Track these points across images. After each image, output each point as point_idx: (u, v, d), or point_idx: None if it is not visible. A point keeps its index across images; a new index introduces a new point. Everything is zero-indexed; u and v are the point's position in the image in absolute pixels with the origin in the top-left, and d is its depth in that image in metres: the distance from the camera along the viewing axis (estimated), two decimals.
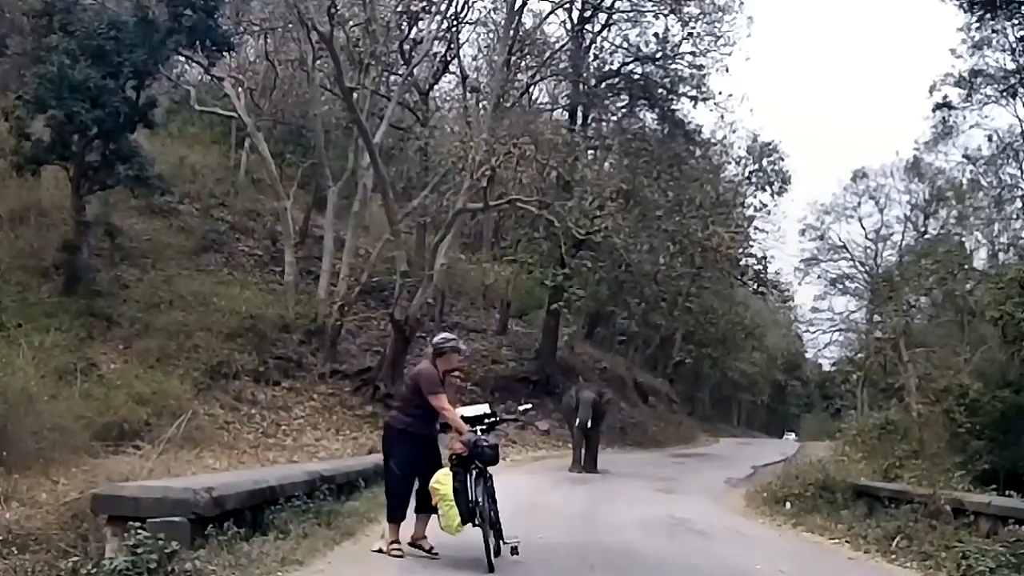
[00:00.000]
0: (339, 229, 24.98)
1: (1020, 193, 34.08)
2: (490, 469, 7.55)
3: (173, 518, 6.61)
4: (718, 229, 25.13)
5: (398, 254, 22.99)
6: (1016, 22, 25.44)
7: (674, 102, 29.83)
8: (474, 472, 7.22)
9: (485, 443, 7.29)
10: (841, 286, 49.91)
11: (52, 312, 16.69)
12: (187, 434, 13.02)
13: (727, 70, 33.43)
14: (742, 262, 30.30)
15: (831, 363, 55.75)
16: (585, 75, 29.62)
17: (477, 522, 7.18)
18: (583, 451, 19.42)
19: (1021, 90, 29.81)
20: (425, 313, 24.99)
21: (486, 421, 7.74)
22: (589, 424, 19.28)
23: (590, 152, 27.39)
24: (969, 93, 31.43)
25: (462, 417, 7.55)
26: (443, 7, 26.05)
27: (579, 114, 30.22)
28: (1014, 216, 34.75)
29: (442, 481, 7.14)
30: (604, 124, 31.47)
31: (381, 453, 8.05)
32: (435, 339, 7.95)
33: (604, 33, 30.26)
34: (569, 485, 16.34)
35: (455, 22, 27.56)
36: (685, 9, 27.88)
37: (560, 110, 32.93)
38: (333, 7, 20.90)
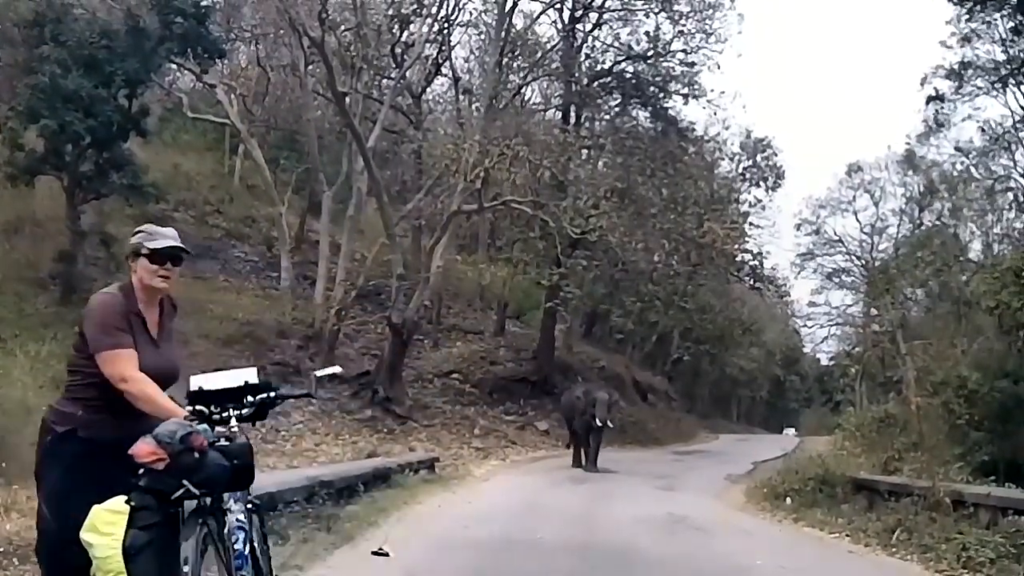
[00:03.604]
0: (335, 234, 24.99)
1: (1013, 184, 34.18)
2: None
3: None
4: (713, 226, 25.17)
5: (394, 257, 22.99)
6: (1005, 13, 25.53)
7: (666, 100, 29.86)
8: (188, 508, 3.60)
9: (207, 441, 3.58)
10: (838, 280, 49.84)
11: (49, 322, 16.66)
12: None
13: (719, 67, 33.67)
14: (738, 258, 30.38)
15: (829, 358, 55.89)
16: (577, 75, 29.63)
17: None
18: (586, 449, 19.48)
19: (1012, 81, 29.87)
20: (422, 316, 24.98)
21: (248, 400, 4.05)
22: (610, 424, 19.52)
23: (583, 151, 27.38)
24: (960, 85, 31.54)
25: (196, 392, 4.02)
26: (434, 10, 26.13)
27: (572, 114, 30.19)
28: (1007, 207, 34.86)
29: (100, 527, 3.52)
30: (597, 123, 31.46)
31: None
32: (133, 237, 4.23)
33: (595, 32, 30.27)
34: (569, 484, 16.35)
35: (446, 24, 27.64)
36: (676, 7, 27.86)
37: (553, 110, 32.95)
38: (324, 12, 20.94)
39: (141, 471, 3.49)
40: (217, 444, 3.64)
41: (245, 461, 3.74)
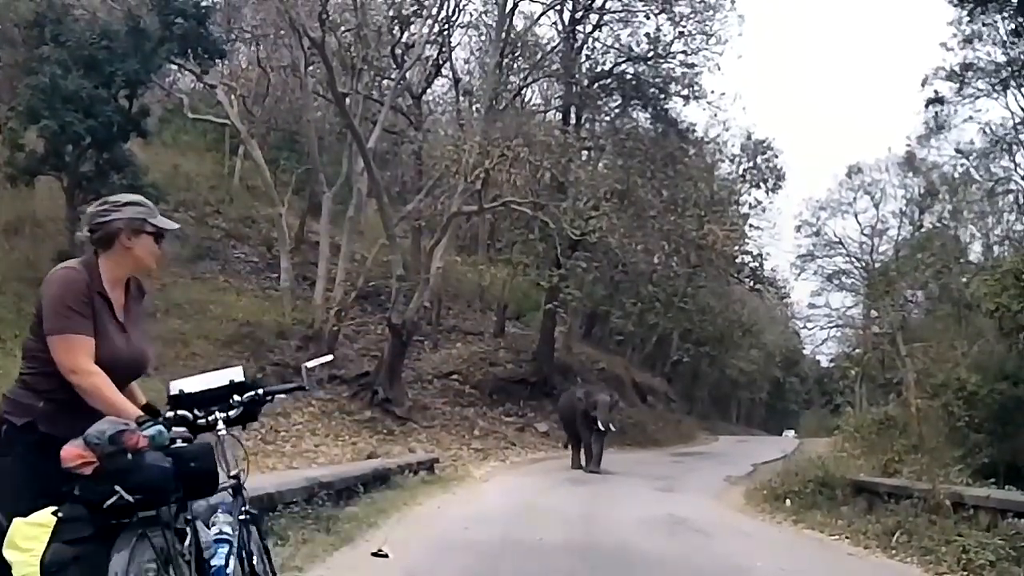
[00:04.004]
0: (334, 234, 24.99)
1: (1013, 186, 34.19)
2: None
3: None
4: (713, 227, 25.18)
5: (394, 258, 22.98)
6: (1006, 15, 25.54)
7: (667, 101, 29.87)
8: (135, 520, 3.06)
9: (145, 440, 3.07)
10: (838, 282, 49.93)
11: None
12: None
13: (719, 68, 33.59)
14: (738, 260, 30.37)
15: (829, 359, 55.97)
16: (577, 76, 29.64)
17: None
18: (590, 451, 19.43)
19: (1013, 83, 29.89)
20: (422, 317, 24.98)
21: (235, 401, 3.75)
22: (612, 427, 19.54)
23: (584, 153, 27.39)
24: (961, 87, 31.55)
25: (177, 396, 3.69)
26: (434, 11, 26.13)
27: (572, 115, 30.21)
28: (1007, 209, 34.89)
29: (20, 542, 2.99)
30: (597, 124, 31.47)
31: None
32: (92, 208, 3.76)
33: (595, 34, 30.30)
34: (568, 486, 16.35)
35: (447, 25, 27.66)
36: (676, 8, 27.90)
37: (553, 111, 32.98)
38: (324, 13, 20.93)
39: (76, 478, 3.01)
40: (172, 446, 3.18)
41: (204, 465, 3.26)
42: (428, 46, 27.14)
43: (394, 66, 26.13)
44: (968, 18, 27.33)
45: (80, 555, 2.94)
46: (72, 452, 3.01)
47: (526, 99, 32.98)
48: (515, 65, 28.96)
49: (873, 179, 47.88)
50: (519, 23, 28.62)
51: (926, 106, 33.61)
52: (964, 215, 37.48)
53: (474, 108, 28.33)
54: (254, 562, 3.67)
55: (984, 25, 27.75)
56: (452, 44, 29.48)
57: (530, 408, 27.01)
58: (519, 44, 28.37)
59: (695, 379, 54.67)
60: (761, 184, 42.15)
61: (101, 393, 3.31)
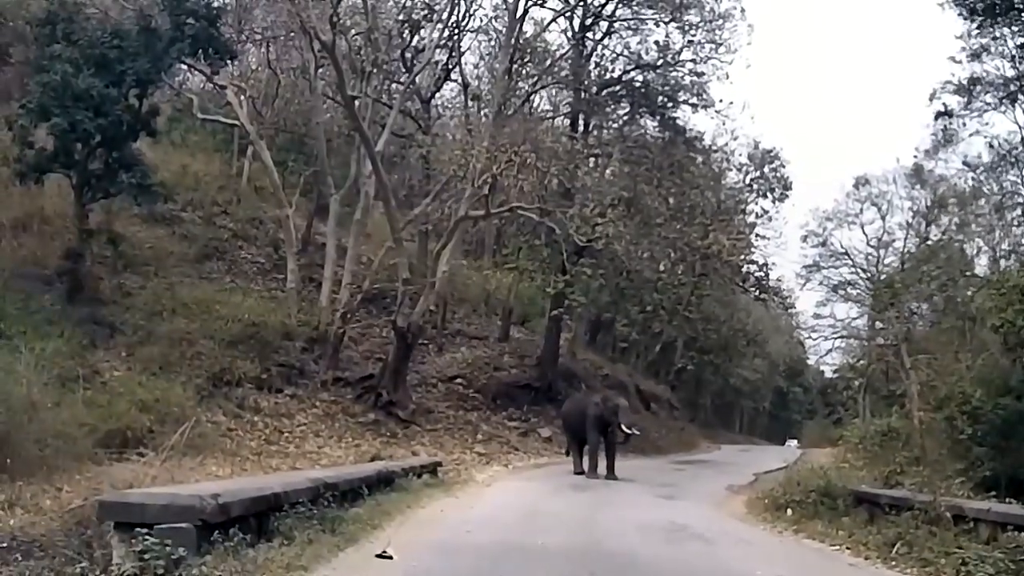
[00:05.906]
0: (341, 237, 25.04)
1: (1021, 200, 34.10)
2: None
3: (180, 524, 6.66)
4: (719, 236, 25.17)
5: (400, 261, 23.05)
6: (1015, 29, 25.54)
7: (675, 110, 29.88)
8: None
9: None
10: (843, 292, 49.77)
11: (55, 320, 16.72)
12: (190, 441, 13.03)
13: (727, 77, 33.60)
14: (744, 269, 30.34)
15: (833, 370, 55.72)
16: (586, 83, 29.67)
17: None
18: (595, 456, 19.37)
19: (1021, 97, 29.85)
20: (427, 320, 25.03)
21: None
22: (637, 431, 19.64)
23: (591, 159, 27.41)
24: (969, 100, 31.47)
25: None
26: (445, 15, 26.23)
27: (580, 122, 30.25)
28: (1015, 223, 34.78)
29: None
30: (605, 131, 31.50)
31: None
32: None
33: (605, 41, 30.32)
34: (571, 491, 16.36)
35: (457, 30, 27.72)
36: (686, 17, 27.93)
37: (561, 118, 32.97)
38: (335, 16, 21.00)
39: None
40: None
41: None
42: (438, 50, 27.27)
43: (403, 70, 26.25)
44: (977, 32, 27.35)
45: None
46: None
47: (534, 105, 33.00)
48: (524, 71, 29.00)
49: (880, 191, 47.82)
50: (529, 29, 28.73)
51: (935, 119, 33.55)
52: (972, 228, 37.41)
53: (482, 113, 28.39)
54: None
55: (993, 39, 27.76)
56: (462, 49, 29.64)
57: (533, 413, 27.05)
58: (528, 50, 28.42)
59: (699, 387, 54.63)
60: (768, 194, 42.11)
61: None
